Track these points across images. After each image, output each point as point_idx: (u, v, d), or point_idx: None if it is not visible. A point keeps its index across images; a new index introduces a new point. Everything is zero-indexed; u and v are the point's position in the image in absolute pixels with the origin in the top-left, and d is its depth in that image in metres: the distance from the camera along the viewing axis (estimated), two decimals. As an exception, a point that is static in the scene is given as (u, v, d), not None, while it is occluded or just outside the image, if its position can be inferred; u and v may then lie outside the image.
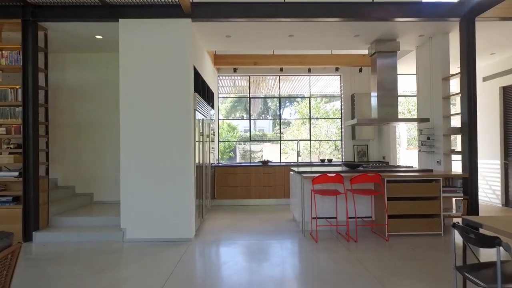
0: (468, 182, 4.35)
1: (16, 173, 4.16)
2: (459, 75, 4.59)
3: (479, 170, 6.79)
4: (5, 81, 4.46)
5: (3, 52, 4.23)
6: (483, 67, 6.70)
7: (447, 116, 4.83)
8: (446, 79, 4.84)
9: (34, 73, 4.20)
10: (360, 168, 4.89)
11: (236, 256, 3.55)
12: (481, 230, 1.98)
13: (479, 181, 6.78)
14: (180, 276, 3.00)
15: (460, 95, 4.54)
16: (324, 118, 8.85)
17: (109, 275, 3.05)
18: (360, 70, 7.15)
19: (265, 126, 10.13)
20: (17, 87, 4.20)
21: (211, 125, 6.00)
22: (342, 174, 4.23)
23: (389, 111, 5.13)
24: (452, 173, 4.46)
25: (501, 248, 1.64)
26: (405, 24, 4.57)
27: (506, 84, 6.21)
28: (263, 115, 9.76)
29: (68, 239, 4.15)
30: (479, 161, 6.79)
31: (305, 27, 4.66)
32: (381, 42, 5.11)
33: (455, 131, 4.66)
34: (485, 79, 6.72)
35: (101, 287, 2.79)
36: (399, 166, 5.37)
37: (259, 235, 4.35)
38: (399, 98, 10.44)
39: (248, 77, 7.36)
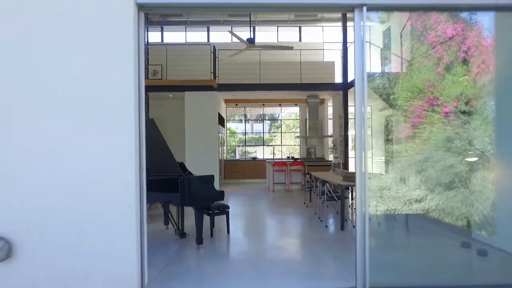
0: (346, 166, 9.38)
1: (138, 162, 9.15)
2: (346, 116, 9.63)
3: (373, 163, 11.91)
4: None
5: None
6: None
7: (341, 135, 9.86)
8: (340, 116, 9.88)
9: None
10: (299, 159, 9.90)
11: (240, 196, 8.58)
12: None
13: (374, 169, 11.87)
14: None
15: (343, 124, 9.56)
16: (290, 132, 13.94)
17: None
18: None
19: (260, 130, 15.14)
20: (138, 122, 9.18)
21: (223, 137, 11.02)
22: (286, 162, 9.27)
23: (314, 131, 10.17)
24: (334, 161, 9.49)
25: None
26: (320, 91, 9.62)
27: (388, 115, 11.26)
28: (259, 120, 14.86)
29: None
30: (374, 157, 11.91)
31: (272, 92, 9.72)
32: (311, 96, 10.20)
33: (342, 142, 9.69)
34: (380, 110, 11.80)
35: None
36: (319, 159, 10.40)
37: (250, 192, 9.38)
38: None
39: (244, 107, 12.39)
